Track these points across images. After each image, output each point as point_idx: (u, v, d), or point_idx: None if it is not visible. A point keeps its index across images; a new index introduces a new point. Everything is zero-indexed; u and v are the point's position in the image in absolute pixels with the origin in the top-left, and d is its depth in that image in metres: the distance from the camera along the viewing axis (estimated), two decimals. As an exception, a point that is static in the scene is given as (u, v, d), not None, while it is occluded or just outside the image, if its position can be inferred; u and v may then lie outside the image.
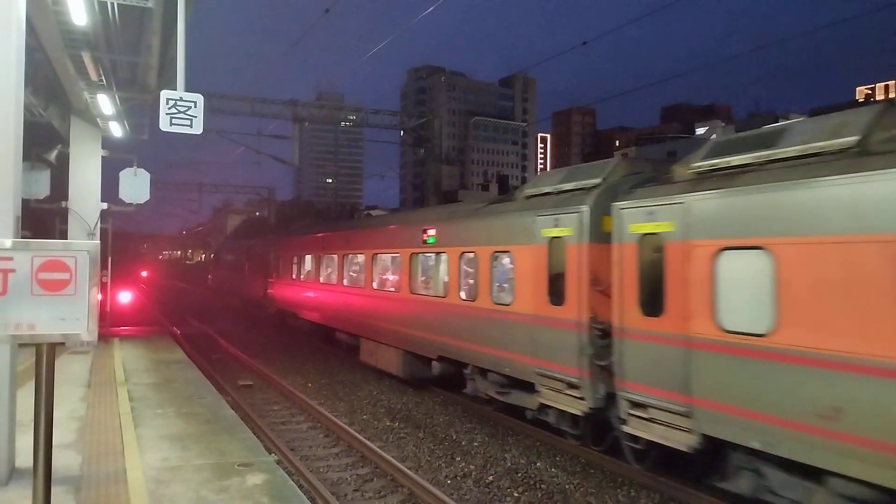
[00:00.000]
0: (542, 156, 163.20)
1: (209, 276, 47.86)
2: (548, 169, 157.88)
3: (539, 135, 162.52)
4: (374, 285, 16.27)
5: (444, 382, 14.25)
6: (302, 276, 22.39)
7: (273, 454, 8.81)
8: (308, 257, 21.92)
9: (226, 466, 7.55)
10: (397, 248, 15.00)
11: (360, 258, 17.39)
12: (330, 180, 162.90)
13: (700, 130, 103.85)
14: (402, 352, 14.51)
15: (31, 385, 4.43)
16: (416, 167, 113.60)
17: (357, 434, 10.91)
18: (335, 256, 19.07)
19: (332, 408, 13.23)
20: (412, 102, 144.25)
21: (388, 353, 15.19)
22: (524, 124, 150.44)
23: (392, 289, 15.58)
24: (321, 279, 20.22)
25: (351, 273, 18.30)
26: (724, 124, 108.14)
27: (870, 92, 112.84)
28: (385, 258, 16.29)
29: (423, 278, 14.34)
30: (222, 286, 38.45)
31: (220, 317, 31.59)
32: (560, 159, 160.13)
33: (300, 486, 7.73)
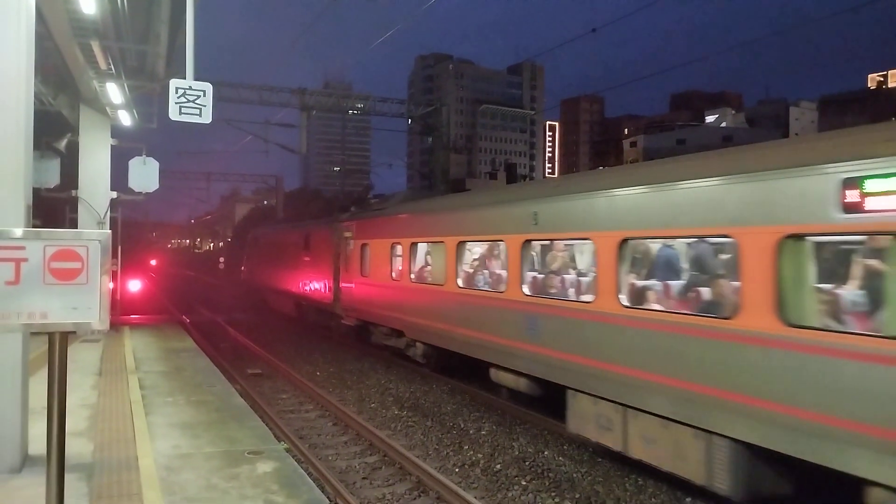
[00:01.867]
0: (550, 144, 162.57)
1: (241, 268, 36.63)
2: (556, 157, 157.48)
3: (547, 123, 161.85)
4: (626, 300, 8.36)
5: (458, 370, 14.27)
6: (414, 275, 14.60)
7: (283, 442, 8.88)
8: (427, 247, 14.48)
9: (236, 454, 7.61)
10: (723, 225, 7.06)
11: (581, 249, 10.62)
12: (337, 168, 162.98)
13: (710, 118, 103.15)
14: (734, 445, 6.85)
15: (43, 373, 4.47)
16: (424, 155, 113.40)
17: (365, 423, 10.96)
18: (501, 244, 11.48)
19: (341, 396, 13.30)
20: (420, 90, 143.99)
21: (680, 440, 7.47)
22: (532, 112, 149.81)
23: (704, 312, 7.57)
24: (460, 281, 12.52)
25: (545, 274, 10.73)
26: (734, 112, 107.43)
27: (882, 79, 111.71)
28: (671, 249, 8.72)
29: (846, 300, 6.31)
30: (264, 283, 29.78)
31: (229, 305, 31.75)
32: (568, 147, 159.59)
33: (309, 474, 7.78)
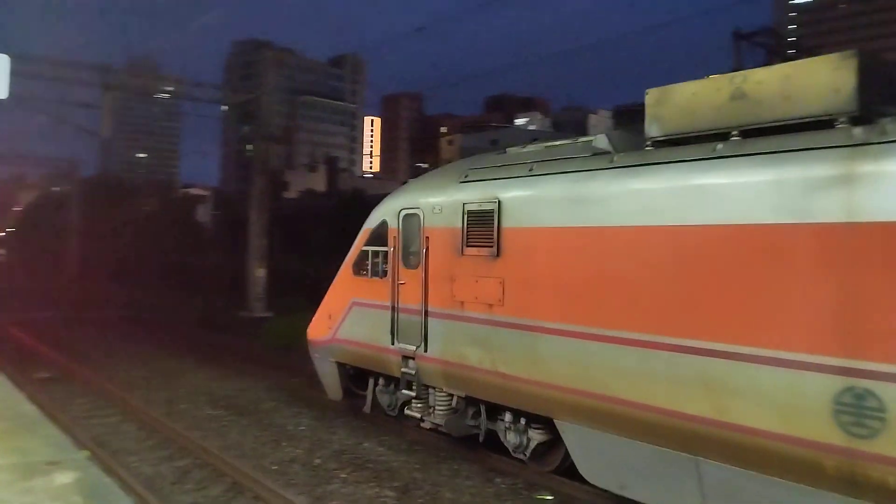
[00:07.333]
0: (371, 139, 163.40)
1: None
2: (373, 153, 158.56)
3: (368, 118, 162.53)
4: None
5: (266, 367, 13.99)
6: None
7: (84, 450, 8.26)
8: None
9: (30, 466, 6.94)
10: None
11: None
12: (143, 155, 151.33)
13: (519, 121, 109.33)
14: None
15: None
16: (240, 144, 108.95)
17: (173, 425, 10.49)
18: None
19: (146, 398, 12.55)
20: (237, 77, 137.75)
21: None
22: (353, 106, 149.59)
23: None
24: None
25: None
26: (542, 116, 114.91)
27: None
28: None
29: None
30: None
31: (15, 304, 28.44)
32: (388, 143, 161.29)
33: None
